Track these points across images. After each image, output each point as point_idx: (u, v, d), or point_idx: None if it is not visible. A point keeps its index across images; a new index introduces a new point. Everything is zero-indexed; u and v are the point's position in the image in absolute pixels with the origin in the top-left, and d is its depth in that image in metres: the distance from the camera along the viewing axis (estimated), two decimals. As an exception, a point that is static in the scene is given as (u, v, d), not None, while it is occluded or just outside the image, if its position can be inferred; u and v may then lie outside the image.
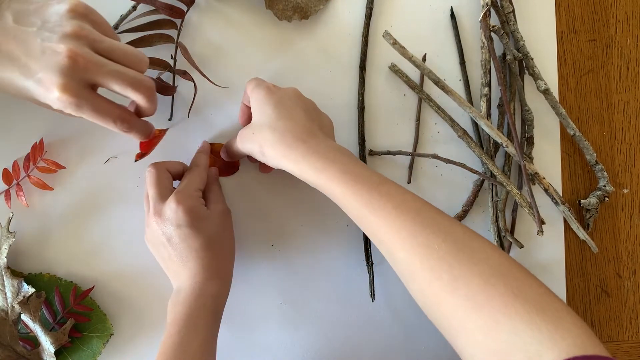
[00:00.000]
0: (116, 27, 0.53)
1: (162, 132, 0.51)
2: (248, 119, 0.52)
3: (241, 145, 0.48)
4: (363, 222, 0.43)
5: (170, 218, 0.46)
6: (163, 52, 0.52)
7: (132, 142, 0.54)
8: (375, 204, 0.41)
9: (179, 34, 0.52)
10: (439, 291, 0.38)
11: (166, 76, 0.53)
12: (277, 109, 0.46)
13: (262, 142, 0.46)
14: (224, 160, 0.53)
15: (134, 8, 0.53)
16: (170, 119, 0.54)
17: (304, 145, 0.44)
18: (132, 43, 0.51)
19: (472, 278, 0.36)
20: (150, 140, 0.49)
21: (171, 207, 0.46)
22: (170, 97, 0.53)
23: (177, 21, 0.52)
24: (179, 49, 0.52)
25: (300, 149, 0.44)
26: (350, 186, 0.42)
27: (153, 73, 0.52)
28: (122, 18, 0.53)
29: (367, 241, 0.55)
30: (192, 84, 0.52)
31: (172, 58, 0.52)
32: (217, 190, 0.52)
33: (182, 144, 0.54)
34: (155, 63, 0.52)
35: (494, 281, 0.36)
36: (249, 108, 0.51)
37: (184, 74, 0.52)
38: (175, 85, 0.53)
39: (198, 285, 0.46)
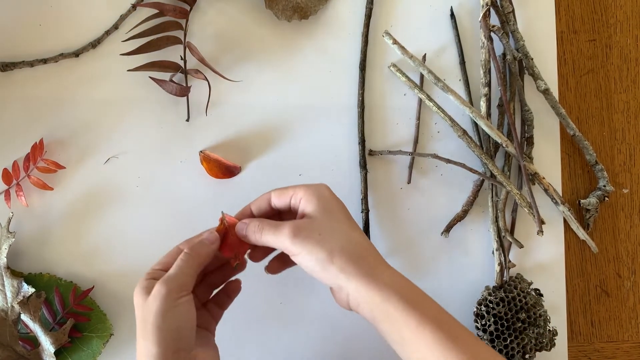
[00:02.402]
0: (116, 27, 0.53)
1: (222, 225, 0.44)
2: (263, 215, 0.45)
3: (294, 241, 0.40)
4: None
5: None
6: (170, 53, 0.53)
7: (132, 142, 0.54)
8: None
9: (185, 34, 0.52)
10: None
11: (178, 77, 0.54)
12: (348, 217, 0.41)
13: (335, 250, 0.39)
14: (235, 237, 0.44)
15: (134, 7, 0.53)
16: (187, 120, 0.54)
17: (386, 271, 0.40)
18: (140, 49, 0.51)
19: None
20: (225, 240, 0.44)
21: None
22: (185, 98, 0.53)
23: (182, 21, 0.52)
24: (188, 49, 0.52)
25: (383, 276, 0.39)
26: (449, 350, 0.37)
27: (165, 75, 0.53)
28: (122, 18, 0.53)
29: (367, 241, 0.55)
30: (201, 82, 0.52)
31: (181, 59, 0.53)
32: None
33: (200, 143, 0.54)
34: (166, 65, 0.52)
35: None
36: (270, 210, 0.45)
37: (197, 73, 0.52)
38: (189, 85, 0.53)
39: None
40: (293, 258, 0.41)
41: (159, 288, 0.39)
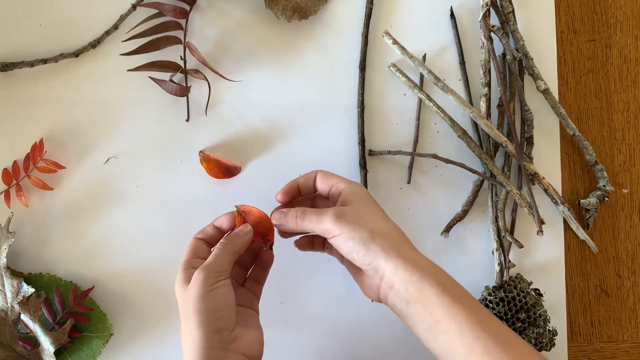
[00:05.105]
0: (116, 27, 0.53)
1: (240, 217, 0.46)
2: (295, 196, 0.47)
3: (337, 222, 0.42)
4: None
5: None
6: (170, 53, 0.53)
7: (132, 142, 0.54)
8: None
9: (185, 34, 0.52)
10: None
11: (177, 77, 0.54)
12: (383, 211, 0.45)
13: (376, 231, 0.42)
14: (259, 224, 0.47)
15: (134, 7, 0.53)
16: (187, 120, 0.54)
17: (420, 255, 0.43)
18: (140, 49, 0.51)
19: None
20: (254, 228, 0.46)
21: None
22: (185, 98, 0.53)
23: (182, 21, 0.52)
24: (188, 49, 0.52)
25: (418, 258, 0.42)
26: (481, 345, 0.38)
27: (165, 75, 0.53)
28: (122, 18, 0.53)
29: (367, 241, 0.55)
30: (201, 82, 0.53)
31: (181, 59, 0.53)
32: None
33: (200, 143, 0.54)
34: (166, 65, 0.52)
35: None
36: (313, 189, 0.47)
37: (196, 73, 0.52)
38: (189, 85, 0.53)
39: None
40: (333, 240, 0.43)
41: (197, 274, 0.41)
